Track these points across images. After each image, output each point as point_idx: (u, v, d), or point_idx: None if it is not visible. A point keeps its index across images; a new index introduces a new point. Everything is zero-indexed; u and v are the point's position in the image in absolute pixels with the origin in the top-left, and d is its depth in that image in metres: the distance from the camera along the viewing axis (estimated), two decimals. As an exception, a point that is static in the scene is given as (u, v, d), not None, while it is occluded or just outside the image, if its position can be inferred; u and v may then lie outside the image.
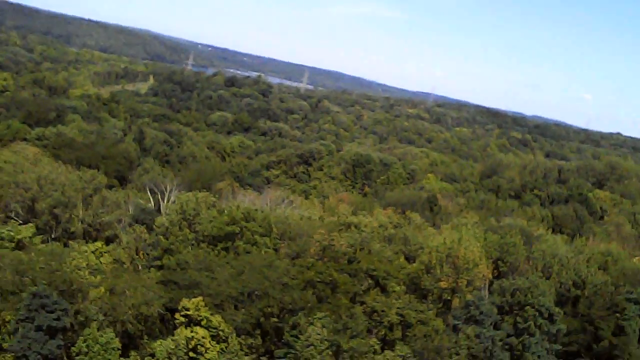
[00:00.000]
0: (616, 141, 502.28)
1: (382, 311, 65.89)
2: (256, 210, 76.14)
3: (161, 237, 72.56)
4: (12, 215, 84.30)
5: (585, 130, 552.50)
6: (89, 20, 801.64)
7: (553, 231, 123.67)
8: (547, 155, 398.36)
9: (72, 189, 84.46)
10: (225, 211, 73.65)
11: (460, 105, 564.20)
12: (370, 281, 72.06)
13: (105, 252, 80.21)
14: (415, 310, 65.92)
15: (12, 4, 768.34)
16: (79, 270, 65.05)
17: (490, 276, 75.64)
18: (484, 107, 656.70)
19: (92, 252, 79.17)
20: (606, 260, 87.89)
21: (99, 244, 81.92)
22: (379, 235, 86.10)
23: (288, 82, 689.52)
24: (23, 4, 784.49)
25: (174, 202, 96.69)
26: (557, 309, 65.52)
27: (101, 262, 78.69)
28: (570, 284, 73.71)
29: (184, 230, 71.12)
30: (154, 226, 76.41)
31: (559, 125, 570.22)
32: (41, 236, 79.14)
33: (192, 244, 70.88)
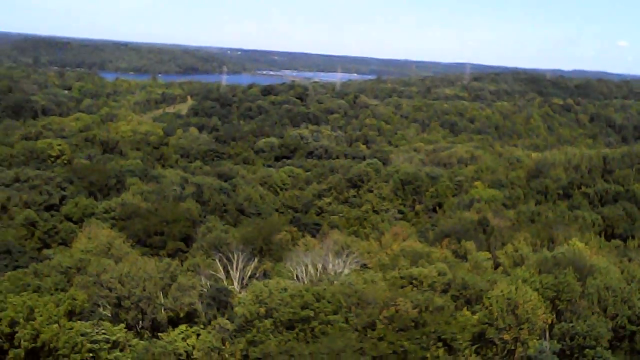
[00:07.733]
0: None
1: (452, 376, 71.53)
2: (324, 289, 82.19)
3: (242, 327, 79.36)
4: (101, 310, 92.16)
5: (627, 82, 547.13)
6: (120, 43, 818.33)
7: (605, 234, 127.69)
8: (592, 119, 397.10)
9: (151, 283, 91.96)
10: (297, 295, 79.85)
11: (497, 74, 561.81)
12: (437, 342, 77.49)
13: (192, 333, 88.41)
14: (484, 371, 71.42)
15: (45, 38, 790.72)
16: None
17: (550, 320, 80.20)
18: (521, 70, 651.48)
19: (181, 337, 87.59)
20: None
21: (183, 327, 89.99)
22: (439, 285, 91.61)
23: (322, 75, 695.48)
24: (55, 36, 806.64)
25: (242, 268, 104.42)
26: (614, 359, 70.04)
27: (188, 345, 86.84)
28: (625, 320, 77.77)
29: (262, 321, 77.62)
30: (234, 314, 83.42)
31: (600, 79, 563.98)
32: (132, 331, 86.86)
33: (272, 331, 77.37)
